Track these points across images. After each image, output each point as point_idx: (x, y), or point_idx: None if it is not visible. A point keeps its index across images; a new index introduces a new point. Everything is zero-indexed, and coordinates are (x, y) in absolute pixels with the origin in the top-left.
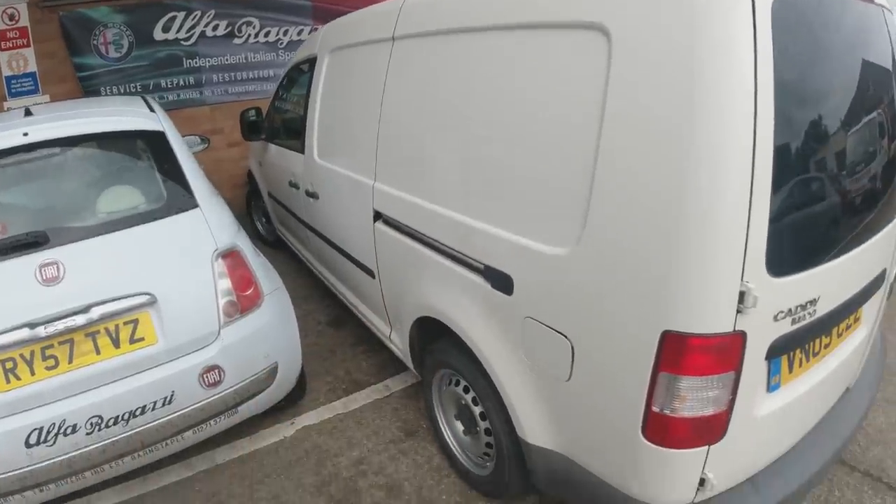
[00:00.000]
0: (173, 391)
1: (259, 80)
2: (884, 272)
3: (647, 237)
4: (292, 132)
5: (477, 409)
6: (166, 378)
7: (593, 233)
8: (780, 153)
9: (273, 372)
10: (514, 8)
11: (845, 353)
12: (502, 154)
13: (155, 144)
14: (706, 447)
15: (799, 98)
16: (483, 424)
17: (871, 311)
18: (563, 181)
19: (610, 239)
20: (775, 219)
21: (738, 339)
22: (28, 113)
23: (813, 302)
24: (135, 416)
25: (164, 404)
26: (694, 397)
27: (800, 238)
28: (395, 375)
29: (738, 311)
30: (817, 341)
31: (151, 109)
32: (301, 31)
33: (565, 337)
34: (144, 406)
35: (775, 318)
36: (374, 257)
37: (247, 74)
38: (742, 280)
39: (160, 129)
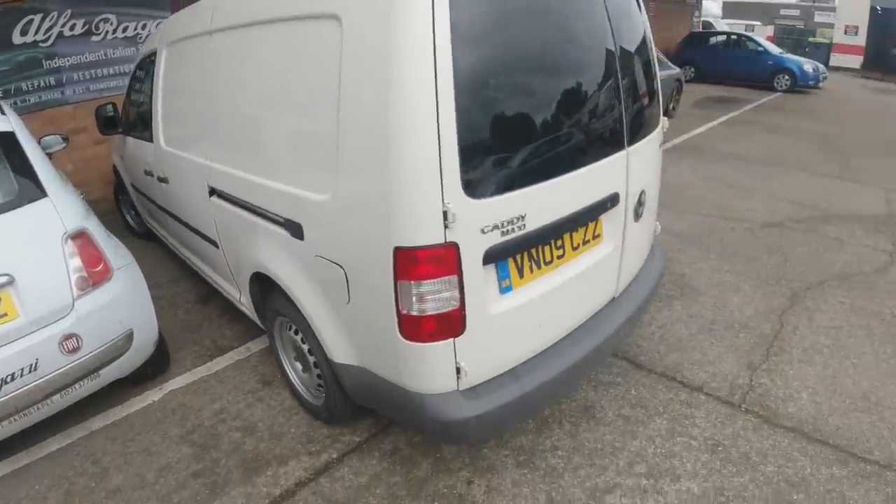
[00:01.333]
0: (37, 359)
1: (120, 75)
2: (615, 196)
3: (374, 176)
4: (144, 123)
5: (305, 347)
6: (29, 348)
7: (342, 179)
8: (463, 104)
9: (129, 338)
10: (272, 6)
11: (586, 264)
12: (283, 126)
13: (5, 144)
14: (452, 340)
15: (482, 54)
16: (312, 359)
17: (613, 230)
18: (322, 142)
19: (352, 182)
20: (465, 154)
21: (451, 249)
22: None
23: (520, 218)
24: (6, 383)
25: (30, 371)
26: (430, 298)
27: (494, 168)
28: (256, 338)
29: (446, 227)
30: (544, 251)
31: (2, 112)
32: (160, 24)
33: (340, 266)
34: (13, 373)
35: (483, 231)
36: (215, 228)
37: (107, 71)
38: (443, 202)
39: (10, 129)
